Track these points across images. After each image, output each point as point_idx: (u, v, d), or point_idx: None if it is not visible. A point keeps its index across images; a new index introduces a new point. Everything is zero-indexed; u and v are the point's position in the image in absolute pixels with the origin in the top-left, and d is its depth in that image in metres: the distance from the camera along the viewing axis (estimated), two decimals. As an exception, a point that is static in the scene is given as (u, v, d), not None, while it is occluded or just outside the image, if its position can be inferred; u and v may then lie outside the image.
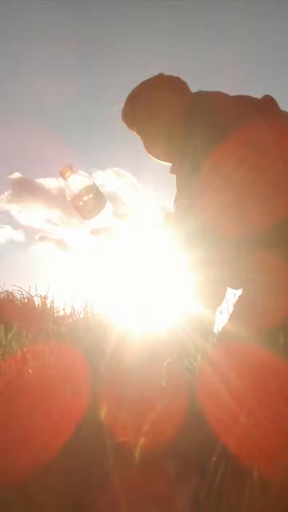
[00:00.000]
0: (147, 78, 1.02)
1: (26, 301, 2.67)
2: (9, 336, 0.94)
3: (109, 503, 0.33)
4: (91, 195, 0.80)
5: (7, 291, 2.76)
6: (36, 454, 0.38)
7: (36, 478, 0.35)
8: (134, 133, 1.02)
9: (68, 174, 0.82)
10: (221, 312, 0.89)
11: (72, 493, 0.35)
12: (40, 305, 2.64)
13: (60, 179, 0.85)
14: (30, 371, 0.62)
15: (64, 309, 2.51)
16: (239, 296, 0.86)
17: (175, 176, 0.98)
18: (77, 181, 0.82)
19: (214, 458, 0.29)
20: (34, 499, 0.32)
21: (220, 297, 0.90)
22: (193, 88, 1.00)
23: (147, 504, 0.32)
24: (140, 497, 0.28)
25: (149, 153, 1.00)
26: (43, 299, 2.69)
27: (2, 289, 2.80)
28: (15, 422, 0.44)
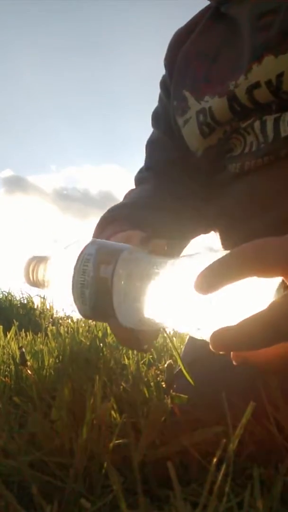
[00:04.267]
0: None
1: (25, 301, 2.67)
2: (8, 336, 0.94)
3: (110, 503, 0.33)
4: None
5: (6, 291, 2.76)
6: (35, 454, 0.37)
7: (35, 479, 0.35)
8: None
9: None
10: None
11: (73, 493, 0.34)
12: (39, 305, 2.64)
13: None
14: (29, 371, 0.62)
15: (63, 309, 2.50)
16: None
17: None
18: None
19: (215, 459, 0.29)
20: (34, 500, 0.32)
21: None
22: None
23: (147, 505, 0.31)
24: (141, 497, 0.28)
25: None
26: (42, 299, 2.70)
27: (1, 288, 2.80)
28: (15, 422, 0.44)
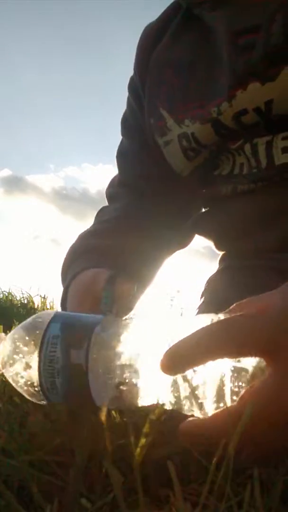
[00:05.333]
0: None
1: (26, 301, 2.68)
2: (9, 336, 0.94)
3: (110, 503, 0.33)
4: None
5: (7, 291, 2.76)
6: (35, 454, 0.37)
7: (35, 478, 0.35)
8: None
9: None
10: None
11: (73, 493, 0.34)
12: (39, 305, 2.65)
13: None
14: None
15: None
16: None
17: None
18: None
19: (215, 459, 0.29)
20: (34, 499, 0.32)
21: None
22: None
23: (147, 505, 0.31)
24: (141, 497, 0.28)
25: None
26: (43, 299, 2.70)
27: (1, 288, 2.80)
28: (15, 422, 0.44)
